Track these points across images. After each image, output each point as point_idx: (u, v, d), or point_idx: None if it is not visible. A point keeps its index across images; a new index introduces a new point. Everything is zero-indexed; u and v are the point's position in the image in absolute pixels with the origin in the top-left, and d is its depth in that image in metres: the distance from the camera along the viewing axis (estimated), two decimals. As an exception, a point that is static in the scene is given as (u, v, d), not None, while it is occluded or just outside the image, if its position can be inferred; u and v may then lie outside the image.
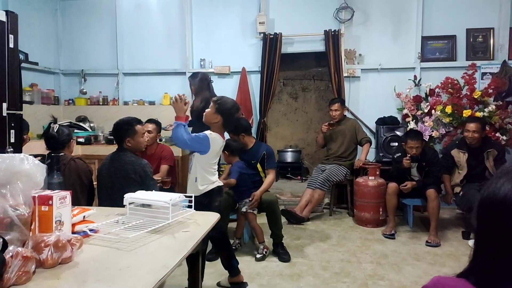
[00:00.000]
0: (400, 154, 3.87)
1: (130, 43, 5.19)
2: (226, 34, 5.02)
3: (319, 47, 4.83)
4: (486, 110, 4.04)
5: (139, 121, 2.60)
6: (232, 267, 2.55)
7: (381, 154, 4.50)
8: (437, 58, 4.62)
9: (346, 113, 4.63)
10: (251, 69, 4.94)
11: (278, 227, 3.14)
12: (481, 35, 4.54)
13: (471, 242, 3.40)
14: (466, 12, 4.56)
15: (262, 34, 4.81)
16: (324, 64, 4.91)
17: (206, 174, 2.37)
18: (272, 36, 4.76)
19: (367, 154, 4.33)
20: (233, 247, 3.15)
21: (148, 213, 1.81)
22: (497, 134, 4.05)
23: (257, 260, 3.06)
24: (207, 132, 2.35)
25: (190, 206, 1.91)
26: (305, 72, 7.36)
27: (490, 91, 4.15)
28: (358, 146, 4.44)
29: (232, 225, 3.53)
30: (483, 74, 4.45)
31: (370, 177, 4.02)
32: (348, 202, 4.42)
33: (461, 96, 4.21)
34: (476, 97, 4.08)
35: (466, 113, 4.03)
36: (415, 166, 3.80)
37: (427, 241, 3.45)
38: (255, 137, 4.79)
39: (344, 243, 3.52)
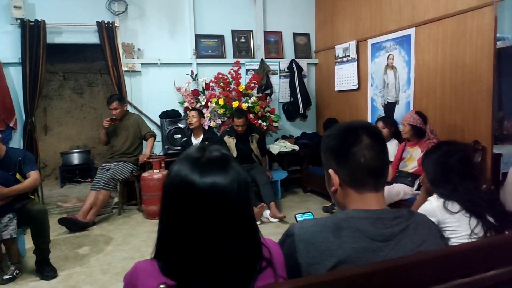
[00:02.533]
0: (185, 138, 4.34)
1: None
2: (-31, 17, 4.06)
3: (93, 39, 4.51)
4: (250, 101, 4.72)
5: None
6: None
7: (166, 147, 4.64)
8: (210, 55, 5.07)
9: (128, 107, 4.54)
10: (9, 61, 4.17)
11: (44, 240, 2.78)
12: (243, 36, 5.25)
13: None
14: (231, 15, 5.16)
15: (19, 21, 4.11)
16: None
17: None
18: (32, 23, 4.14)
19: (151, 148, 4.38)
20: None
21: None
22: (259, 121, 4.80)
23: (5, 282, 2.67)
24: None
25: None
26: (90, 65, 6.81)
27: (252, 85, 4.86)
28: (144, 141, 4.44)
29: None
30: (247, 70, 5.16)
31: (155, 170, 4.10)
32: (137, 198, 4.38)
33: (230, 89, 4.76)
34: (241, 90, 4.71)
35: (235, 104, 4.60)
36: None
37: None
38: (18, 141, 4.14)
39: (130, 240, 3.47)
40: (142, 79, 4.81)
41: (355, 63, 4.61)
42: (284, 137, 5.31)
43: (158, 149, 4.77)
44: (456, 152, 1.65)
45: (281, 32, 5.43)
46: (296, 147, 4.94)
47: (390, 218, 0.91)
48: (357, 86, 4.64)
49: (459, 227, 1.52)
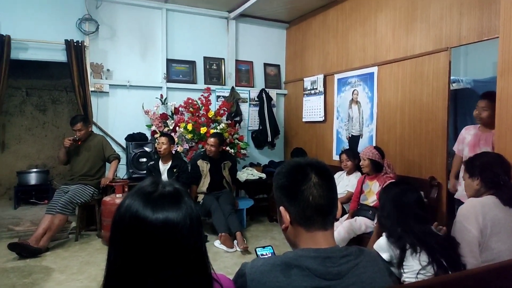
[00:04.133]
0: (152, 162, 4.26)
1: None
2: None
3: (61, 57, 4.42)
4: (218, 127, 4.73)
5: None
6: None
7: (131, 171, 4.52)
8: (180, 80, 5.08)
9: (93, 128, 4.43)
10: (-33, 75, 3.99)
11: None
12: (215, 64, 5.32)
13: (216, 243, 3.85)
14: (203, 42, 5.24)
15: (-18, 34, 3.98)
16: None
17: None
18: (-4, 37, 4.02)
19: (115, 171, 4.25)
20: None
21: None
22: (228, 148, 4.81)
23: None
24: None
25: None
26: (56, 82, 6.63)
27: (222, 111, 4.90)
28: (108, 163, 4.32)
29: None
30: (218, 97, 5.21)
31: (117, 195, 3.96)
32: (97, 224, 4.19)
33: (199, 115, 4.77)
34: (210, 116, 4.73)
35: (203, 130, 4.60)
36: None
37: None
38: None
39: (86, 269, 3.30)
40: (109, 100, 4.73)
41: (322, 96, 4.77)
42: (252, 165, 5.33)
43: (122, 173, 4.64)
44: (411, 193, 1.72)
45: (252, 61, 5.56)
46: (264, 175, 4.97)
47: (338, 256, 0.93)
48: (323, 118, 4.79)
49: (408, 263, 1.58)
